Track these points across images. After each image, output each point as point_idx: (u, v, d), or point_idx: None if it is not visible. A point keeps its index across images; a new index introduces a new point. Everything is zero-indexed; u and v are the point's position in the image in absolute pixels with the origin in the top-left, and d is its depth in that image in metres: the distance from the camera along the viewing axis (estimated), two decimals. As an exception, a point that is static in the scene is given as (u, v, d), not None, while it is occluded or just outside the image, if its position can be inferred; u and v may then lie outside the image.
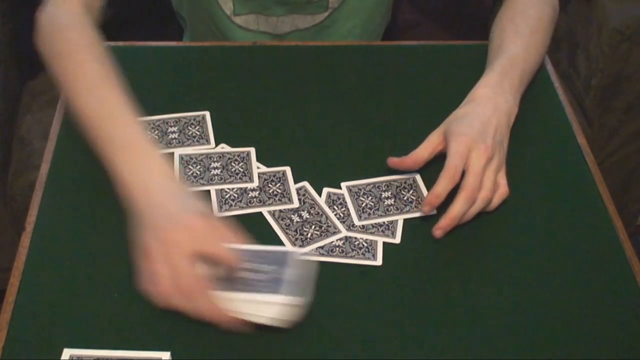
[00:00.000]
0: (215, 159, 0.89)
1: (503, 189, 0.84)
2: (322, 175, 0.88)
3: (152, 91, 0.98)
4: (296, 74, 1.02)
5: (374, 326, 0.74)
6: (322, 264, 0.79)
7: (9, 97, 1.45)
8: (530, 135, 0.95)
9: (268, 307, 0.71)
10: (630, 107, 1.48)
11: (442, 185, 0.81)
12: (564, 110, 0.98)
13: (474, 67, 1.01)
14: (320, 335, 0.73)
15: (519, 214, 0.85)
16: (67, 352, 0.70)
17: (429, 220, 0.82)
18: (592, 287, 0.78)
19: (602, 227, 0.85)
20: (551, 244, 0.80)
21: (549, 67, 1.04)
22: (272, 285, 0.71)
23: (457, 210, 0.80)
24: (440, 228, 0.81)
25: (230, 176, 0.87)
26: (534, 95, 1.00)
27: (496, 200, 0.84)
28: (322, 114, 0.95)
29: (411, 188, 0.86)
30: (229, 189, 0.86)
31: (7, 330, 0.72)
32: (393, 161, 0.86)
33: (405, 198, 0.85)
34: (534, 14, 0.99)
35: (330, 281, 0.78)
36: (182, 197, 0.77)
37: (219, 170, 0.87)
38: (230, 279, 0.72)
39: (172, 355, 0.70)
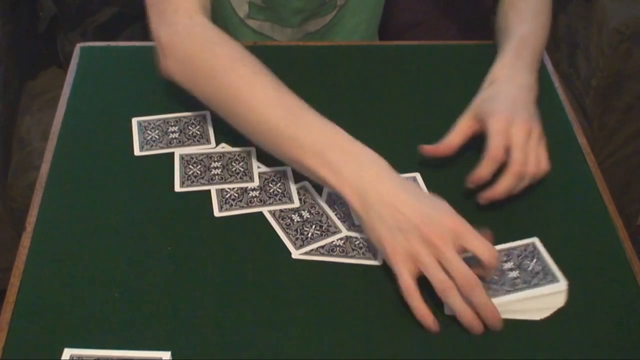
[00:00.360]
0: (215, 159, 0.89)
1: (545, 165, 0.84)
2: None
3: (153, 91, 0.98)
4: (296, 74, 1.02)
5: (374, 326, 0.74)
6: (323, 263, 0.79)
7: (8, 98, 1.45)
8: (530, 135, 0.95)
9: (555, 298, 0.75)
10: (630, 107, 1.48)
11: (487, 167, 0.81)
12: (564, 110, 0.98)
13: (474, 67, 1.01)
14: (320, 335, 0.73)
15: (519, 214, 0.85)
16: (67, 352, 0.70)
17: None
18: (592, 287, 0.78)
19: (602, 227, 0.85)
20: (551, 244, 0.80)
21: (549, 67, 1.04)
22: (544, 277, 0.75)
23: (505, 185, 0.80)
24: (486, 198, 0.81)
25: (231, 176, 0.87)
26: (534, 95, 1.00)
27: (539, 177, 0.84)
28: (322, 114, 0.95)
29: None
30: (229, 188, 0.86)
31: (7, 330, 0.72)
32: (427, 149, 0.86)
33: None
34: None
35: (330, 281, 0.78)
36: (420, 195, 0.76)
37: (220, 170, 0.87)
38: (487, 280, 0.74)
39: (172, 355, 0.70)
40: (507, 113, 0.83)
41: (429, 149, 0.86)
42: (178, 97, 0.96)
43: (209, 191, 0.85)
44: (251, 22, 1.10)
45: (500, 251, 0.78)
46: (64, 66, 1.52)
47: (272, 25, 1.10)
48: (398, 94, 1.00)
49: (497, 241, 0.80)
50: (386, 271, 0.79)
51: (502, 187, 0.81)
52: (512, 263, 0.77)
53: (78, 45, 1.04)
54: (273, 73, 0.84)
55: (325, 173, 0.77)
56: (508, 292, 0.74)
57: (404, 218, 0.73)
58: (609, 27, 1.39)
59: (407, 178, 0.86)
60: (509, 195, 0.82)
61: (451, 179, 0.87)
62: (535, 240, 0.80)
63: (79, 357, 0.69)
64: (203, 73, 0.85)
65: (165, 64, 0.88)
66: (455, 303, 0.71)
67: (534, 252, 0.78)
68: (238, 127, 0.85)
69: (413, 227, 0.72)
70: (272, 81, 0.83)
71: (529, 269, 0.77)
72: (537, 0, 1.01)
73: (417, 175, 0.87)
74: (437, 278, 0.71)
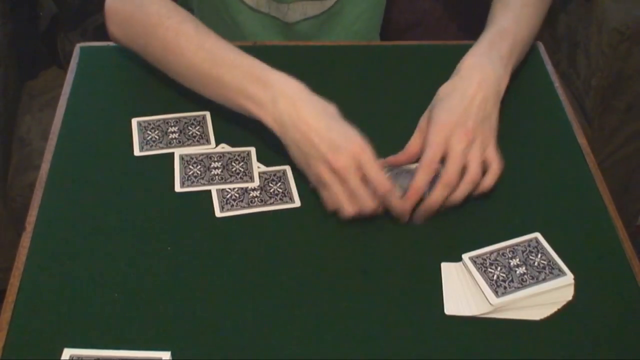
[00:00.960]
0: (215, 159, 0.89)
1: (495, 166, 0.83)
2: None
3: (153, 91, 0.98)
4: (296, 73, 1.02)
5: (374, 327, 0.74)
6: (324, 263, 0.79)
7: (8, 97, 1.45)
8: (530, 135, 0.95)
9: (563, 292, 0.76)
10: (630, 107, 1.48)
11: (420, 178, 0.81)
12: (564, 110, 0.98)
13: (474, 67, 1.01)
14: (321, 335, 0.73)
15: (519, 215, 0.85)
16: (67, 352, 0.70)
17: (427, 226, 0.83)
18: (592, 287, 0.78)
19: (602, 227, 0.85)
20: (551, 244, 0.80)
21: (549, 67, 1.04)
22: (552, 271, 0.76)
23: (434, 197, 0.81)
24: (418, 217, 0.82)
25: (231, 176, 0.87)
26: (534, 96, 1.00)
27: (490, 179, 0.83)
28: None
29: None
30: (230, 189, 0.86)
31: (7, 330, 0.72)
32: (390, 160, 0.86)
33: None
34: None
35: (330, 281, 0.78)
36: (331, 121, 0.81)
37: (220, 170, 0.87)
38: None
39: (172, 355, 0.70)
40: (449, 123, 0.83)
41: (390, 161, 0.86)
42: (178, 97, 0.96)
43: (208, 191, 0.85)
44: (248, 0, 1.10)
45: (504, 248, 0.79)
46: (64, 66, 1.52)
47: (268, 1, 1.10)
48: (398, 94, 1.00)
49: (498, 241, 0.80)
50: (386, 271, 0.79)
51: (432, 199, 0.81)
52: (518, 259, 0.78)
53: (78, 45, 1.04)
54: (197, 20, 0.92)
55: (248, 105, 0.85)
56: (517, 288, 0.75)
57: (312, 145, 0.80)
58: (609, 27, 1.39)
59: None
60: (448, 208, 0.82)
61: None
62: (538, 235, 0.80)
63: (78, 357, 0.69)
64: (137, 30, 0.95)
65: (110, 29, 0.98)
66: (356, 217, 0.80)
67: (537, 247, 0.79)
68: (174, 76, 0.93)
69: (320, 156, 0.79)
70: (195, 28, 0.91)
71: (535, 264, 0.77)
72: None
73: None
74: (345, 207, 0.80)
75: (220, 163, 0.88)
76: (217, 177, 0.87)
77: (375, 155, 0.80)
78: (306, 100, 0.83)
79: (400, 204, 0.81)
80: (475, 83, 0.86)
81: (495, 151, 0.84)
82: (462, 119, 0.83)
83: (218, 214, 0.83)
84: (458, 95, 0.85)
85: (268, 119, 0.84)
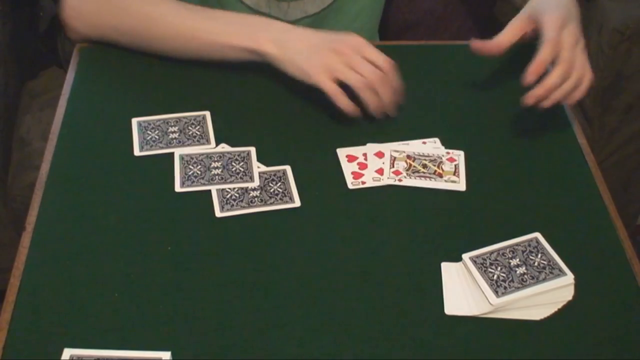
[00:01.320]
0: (215, 159, 0.89)
1: (590, 75, 0.88)
2: (323, 173, 0.88)
3: (153, 91, 0.98)
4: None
5: (374, 327, 0.74)
6: (323, 263, 0.79)
7: (9, 97, 1.45)
8: (530, 136, 0.95)
9: (563, 292, 0.76)
10: (630, 107, 1.48)
11: (546, 53, 0.85)
12: (564, 110, 0.98)
13: (474, 67, 1.01)
14: (321, 335, 0.73)
15: (519, 215, 0.85)
16: (67, 352, 0.70)
17: (427, 220, 0.82)
18: (592, 287, 0.78)
19: (602, 227, 0.85)
20: (551, 244, 0.80)
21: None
22: (552, 271, 0.77)
23: (553, 81, 0.84)
24: (534, 96, 0.85)
25: (231, 176, 0.87)
26: (534, 95, 1.00)
27: (585, 85, 0.87)
28: (322, 114, 0.95)
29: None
30: (230, 189, 0.86)
31: (7, 330, 0.72)
32: (475, 45, 0.91)
33: None
34: None
35: (330, 281, 0.78)
36: (321, 31, 0.93)
37: (220, 170, 0.87)
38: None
39: (172, 355, 0.70)
40: (562, 15, 0.88)
41: (476, 45, 0.91)
42: (178, 97, 0.96)
43: (208, 191, 0.85)
44: (247, 0, 1.10)
45: (504, 248, 0.79)
46: (64, 66, 1.52)
47: (268, 0, 1.10)
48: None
49: (498, 241, 0.80)
50: (386, 271, 0.79)
51: (550, 81, 0.85)
52: (518, 259, 0.78)
53: (78, 46, 1.04)
54: None
55: (244, 42, 0.92)
56: (518, 288, 0.75)
57: (316, 42, 0.90)
58: (609, 27, 1.39)
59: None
60: (555, 98, 0.86)
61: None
62: (538, 235, 0.80)
63: (78, 357, 0.69)
64: (108, 13, 0.98)
65: (72, 25, 1.01)
66: (366, 96, 0.89)
67: (537, 247, 0.79)
68: (159, 47, 0.98)
69: (325, 45, 0.89)
70: None
71: (535, 264, 0.77)
72: None
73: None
74: (353, 78, 0.88)
75: (220, 163, 0.88)
76: (217, 176, 0.87)
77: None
78: (295, 27, 0.93)
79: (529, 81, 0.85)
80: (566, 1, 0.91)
81: (588, 62, 0.88)
82: (570, 16, 0.89)
83: (218, 213, 0.83)
84: (557, 2, 0.90)
85: (266, 46, 0.91)
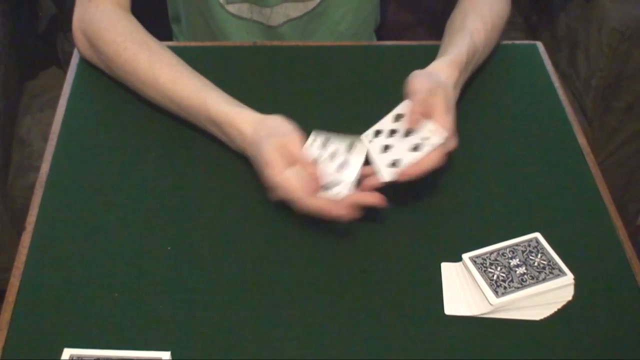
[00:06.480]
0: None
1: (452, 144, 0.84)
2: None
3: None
4: (296, 74, 1.02)
5: (374, 327, 0.74)
6: (322, 264, 0.79)
7: (8, 98, 1.45)
8: (530, 135, 0.95)
9: (563, 292, 0.76)
10: (630, 107, 1.48)
11: (435, 161, 0.81)
12: (564, 110, 0.98)
13: (474, 67, 1.01)
14: (321, 335, 0.73)
15: (519, 215, 0.85)
16: (67, 352, 0.70)
17: (429, 218, 0.82)
18: (592, 287, 0.78)
19: (602, 227, 0.85)
20: (551, 244, 0.80)
21: (549, 67, 1.04)
22: (552, 271, 0.77)
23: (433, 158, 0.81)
24: (406, 174, 0.81)
25: (231, 176, 0.87)
26: (534, 95, 1.00)
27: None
28: (321, 114, 0.95)
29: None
30: (229, 189, 0.85)
31: (7, 330, 0.72)
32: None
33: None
34: (498, 11, 1.01)
35: (330, 281, 0.78)
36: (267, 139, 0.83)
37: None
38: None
39: (172, 355, 0.70)
40: (450, 106, 0.85)
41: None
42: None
43: (208, 191, 0.85)
44: (230, 7, 1.10)
45: (504, 248, 0.79)
46: (64, 66, 1.52)
47: (250, 6, 1.10)
48: (398, 94, 1.00)
49: (498, 241, 0.80)
50: (386, 271, 0.79)
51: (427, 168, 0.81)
52: (518, 259, 0.78)
53: (78, 46, 1.04)
54: (153, 44, 0.95)
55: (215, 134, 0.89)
56: (517, 288, 0.75)
57: (268, 177, 0.80)
58: (609, 27, 1.39)
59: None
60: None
61: (449, 179, 0.87)
62: (538, 235, 0.80)
63: (78, 357, 0.69)
64: (100, 58, 0.97)
65: (80, 51, 1.01)
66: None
67: (537, 247, 0.79)
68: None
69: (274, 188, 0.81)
70: (148, 59, 0.92)
71: (535, 264, 0.77)
72: (499, 11, 1.01)
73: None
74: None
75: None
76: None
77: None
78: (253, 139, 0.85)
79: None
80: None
81: None
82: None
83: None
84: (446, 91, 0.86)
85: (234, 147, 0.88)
